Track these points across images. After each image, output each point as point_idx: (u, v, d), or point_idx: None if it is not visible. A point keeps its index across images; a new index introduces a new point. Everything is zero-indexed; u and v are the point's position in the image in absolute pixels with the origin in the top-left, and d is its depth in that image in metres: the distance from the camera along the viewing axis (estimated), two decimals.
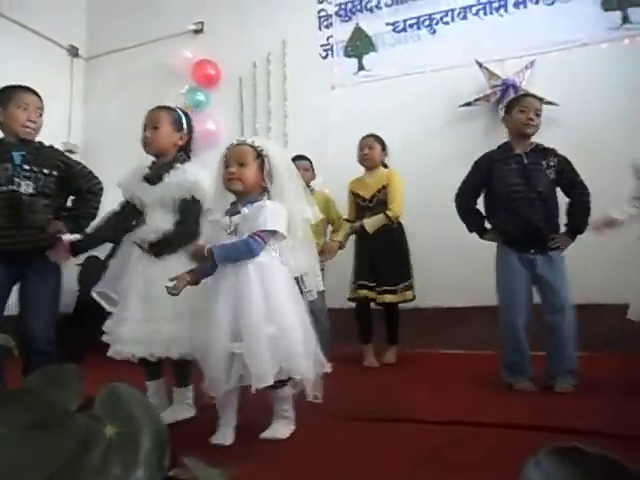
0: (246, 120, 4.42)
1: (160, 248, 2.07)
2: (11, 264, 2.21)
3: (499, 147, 2.58)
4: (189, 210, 2.12)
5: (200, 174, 2.15)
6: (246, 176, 1.83)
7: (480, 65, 3.73)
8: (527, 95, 2.73)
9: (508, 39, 3.76)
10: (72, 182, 2.34)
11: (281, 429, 1.80)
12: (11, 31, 4.36)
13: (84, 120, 5.08)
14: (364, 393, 2.38)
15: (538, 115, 2.47)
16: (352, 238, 3.27)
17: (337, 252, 3.21)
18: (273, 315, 1.73)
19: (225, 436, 1.77)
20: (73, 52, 5.06)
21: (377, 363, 3.06)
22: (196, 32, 4.72)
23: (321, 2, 4.34)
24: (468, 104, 3.75)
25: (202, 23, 4.70)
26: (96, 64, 5.16)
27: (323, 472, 1.46)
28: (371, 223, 3.09)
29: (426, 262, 3.30)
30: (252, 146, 1.87)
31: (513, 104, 2.54)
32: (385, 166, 3.27)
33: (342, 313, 3.24)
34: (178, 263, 2.02)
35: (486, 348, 2.86)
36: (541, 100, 2.67)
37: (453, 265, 3.52)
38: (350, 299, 3.17)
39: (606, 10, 3.55)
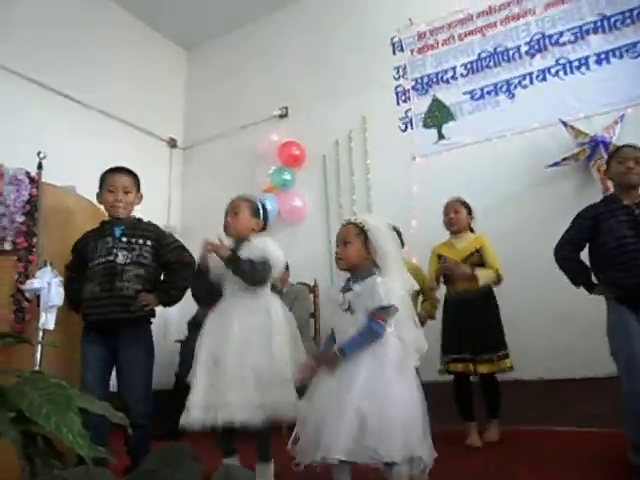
0: (330, 195, 4.56)
1: (238, 262, 2.21)
2: (104, 339, 2.34)
3: (604, 199, 2.48)
4: (262, 265, 2.24)
5: (266, 240, 2.34)
6: (348, 255, 1.93)
7: (565, 124, 3.65)
8: (624, 146, 2.62)
9: (592, 95, 3.68)
10: (164, 253, 2.51)
11: None
12: (119, 127, 4.88)
13: (182, 204, 5.50)
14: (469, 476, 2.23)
15: (638, 163, 2.37)
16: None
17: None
18: (374, 392, 1.72)
19: None
20: (172, 144, 5.56)
21: (480, 442, 2.86)
22: (281, 117, 5.03)
23: (398, 79, 4.50)
24: (556, 164, 3.65)
25: (286, 108, 5.02)
26: (192, 152, 5.64)
27: None
28: (485, 275, 2.96)
29: (521, 330, 3.13)
30: (354, 224, 1.96)
31: (610, 157, 2.50)
32: (472, 230, 3.21)
33: (434, 387, 3.11)
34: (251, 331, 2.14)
35: (599, 425, 2.61)
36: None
37: (551, 331, 3.32)
38: (444, 372, 3.01)
39: None
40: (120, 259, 2.38)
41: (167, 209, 5.34)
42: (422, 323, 3.15)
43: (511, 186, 3.78)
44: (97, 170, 2.59)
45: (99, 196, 2.55)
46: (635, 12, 3.66)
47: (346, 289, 1.93)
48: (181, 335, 4.25)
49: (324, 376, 1.83)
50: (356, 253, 1.92)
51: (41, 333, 2.21)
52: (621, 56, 3.67)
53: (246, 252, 2.28)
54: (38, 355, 2.17)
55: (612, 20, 3.74)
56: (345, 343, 1.81)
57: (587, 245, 2.47)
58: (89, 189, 2.64)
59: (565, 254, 2.50)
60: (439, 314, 3.15)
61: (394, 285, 1.85)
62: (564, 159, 3.63)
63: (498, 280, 3.00)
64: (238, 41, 5.55)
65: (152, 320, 2.51)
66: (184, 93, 5.86)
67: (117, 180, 2.52)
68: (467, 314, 2.95)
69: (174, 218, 5.35)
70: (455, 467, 2.32)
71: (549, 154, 3.68)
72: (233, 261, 2.22)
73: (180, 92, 5.83)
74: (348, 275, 1.99)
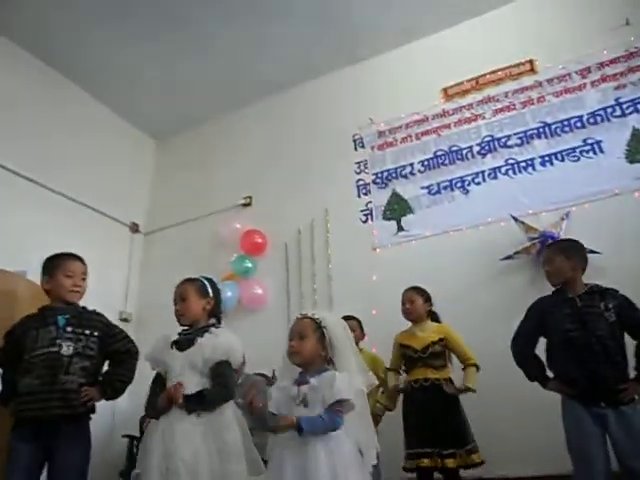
0: (292, 284, 4.57)
1: (195, 403, 2.04)
2: (37, 437, 2.16)
3: (553, 292, 2.56)
4: (228, 372, 2.15)
5: (233, 338, 2.24)
6: (304, 348, 1.91)
7: (515, 220, 3.84)
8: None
9: (540, 194, 3.91)
10: (111, 343, 2.42)
11: None
12: (75, 210, 4.81)
13: (140, 290, 5.36)
14: None
15: (550, 263, 2.52)
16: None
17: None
18: None
19: None
20: (134, 228, 5.54)
21: None
22: (245, 205, 5.13)
23: (359, 173, 4.71)
24: (509, 257, 3.80)
25: (250, 197, 5.14)
26: (154, 238, 5.60)
27: None
28: (473, 381, 2.91)
29: (484, 424, 3.07)
30: (312, 319, 1.96)
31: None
32: (434, 318, 3.21)
33: None
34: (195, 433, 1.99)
35: None
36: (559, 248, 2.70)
37: (514, 426, 3.28)
38: (406, 469, 2.88)
39: (631, 163, 3.71)
40: (64, 350, 2.26)
41: (124, 296, 5.21)
42: (379, 416, 3.09)
43: (468, 277, 3.88)
44: (53, 252, 2.54)
45: (49, 281, 2.44)
46: (572, 121, 4.01)
47: (301, 382, 1.89)
48: (130, 429, 4.00)
49: (282, 469, 1.73)
50: (312, 348, 1.92)
51: None
52: (562, 159, 3.96)
53: (209, 344, 2.16)
54: None
55: (553, 127, 4.07)
56: (304, 418, 1.74)
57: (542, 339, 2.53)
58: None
59: (518, 349, 2.54)
60: (399, 405, 3.09)
61: (353, 380, 1.84)
62: (516, 252, 3.78)
63: (477, 370, 2.97)
64: (206, 133, 5.75)
65: (91, 416, 2.37)
66: (150, 180, 5.92)
67: (77, 266, 2.47)
68: (430, 407, 2.86)
69: (130, 305, 5.20)
70: None
71: (502, 247, 3.84)
72: (205, 404, 2.07)
73: (146, 179, 5.90)
74: (299, 370, 1.96)
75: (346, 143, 4.86)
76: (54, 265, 2.44)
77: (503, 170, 4.15)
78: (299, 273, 4.59)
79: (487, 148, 4.27)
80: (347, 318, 3.29)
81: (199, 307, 2.30)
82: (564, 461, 2.33)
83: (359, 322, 3.45)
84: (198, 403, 2.05)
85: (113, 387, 2.38)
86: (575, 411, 2.27)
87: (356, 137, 4.85)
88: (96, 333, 2.38)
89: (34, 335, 2.29)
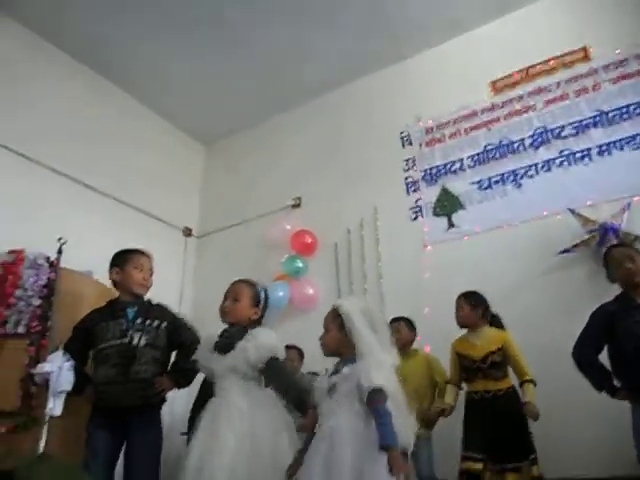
0: (342, 283, 4.57)
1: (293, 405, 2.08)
2: (113, 425, 2.26)
3: (616, 299, 2.44)
4: (283, 367, 2.18)
5: (272, 335, 2.23)
6: (327, 340, 1.95)
7: (573, 212, 3.71)
8: (614, 246, 2.62)
9: (598, 185, 3.76)
10: (181, 333, 2.49)
11: None
12: (134, 216, 5.01)
13: (195, 293, 5.48)
14: None
15: (633, 260, 2.35)
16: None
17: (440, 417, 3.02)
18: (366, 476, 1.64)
19: None
20: (187, 232, 5.69)
21: None
22: (294, 207, 5.18)
23: (407, 170, 4.66)
24: (567, 250, 3.67)
25: (299, 198, 5.18)
26: (206, 241, 5.73)
27: None
28: (533, 396, 2.77)
29: (544, 426, 2.96)
30: (334, 309, 1.97)
31: (605, 260, 2.46)
32: (492, 323, 3.06)
33: None
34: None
35: None
36: (630, 245, 2.56)
37: (576, 428, 3.15)
38: (462, 474, 2.74)
39: None
40: (136, 341, 2.36)
41: (179, 300, 5.34)
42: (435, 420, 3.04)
43: (523, 274, 3.77)
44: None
45: (119, 272, 2.53)
46: (631, 108, 3.84)
47: (333, 373, 1.90)
48: (184, 428, 4.09)
49: (310, 462, 1.75)
50: (334, 338, 1.92)
51: (47, 419, 2.16)
52: (621, 148, 3.80)
53: (252, 346, 2.15)
54: (42, 442, 2.10)
55: (610, 115, 3.91)
56: (383, 440, 1.66)
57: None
58: (106, 274, 2.68)
59: (584, 359, 2.43)
60: (459, 414, 2.97)
61: (380, 368, 1.79)
62: (575, 245, 3.65)
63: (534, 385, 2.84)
64: (254, 136, 5.84)
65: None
66: (200, 185, 6.08)
67: (146, 261, 2.56)
68: (491, 415, 2.77)
69: (185, 308, 5.32)
70: None
71: (559, 241, 3.71)
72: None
73: (197, 184, 6.06)
74: (337, 360, 1.96)
75: (394, 141, 4.82)
76: (125, 258, 2.55)
77: (557, 162, 4.02)
78: (349, 272, 4.58)
79: (540, 140, 4.14)
80: (396, 320, 3.28)
81: (248, 313, 2.30)
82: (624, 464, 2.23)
83: (407, 322, 3.40)
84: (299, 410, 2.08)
85: (184, 376, 2.45)
86: None
87: (404, 134, 4.81)
88: (164, 324, 2.47)
89: (104, 327, 2.40)
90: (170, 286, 5.21)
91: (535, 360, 3.11)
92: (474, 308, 3.05)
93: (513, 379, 2.93)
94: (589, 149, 3.92)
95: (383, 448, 1.65)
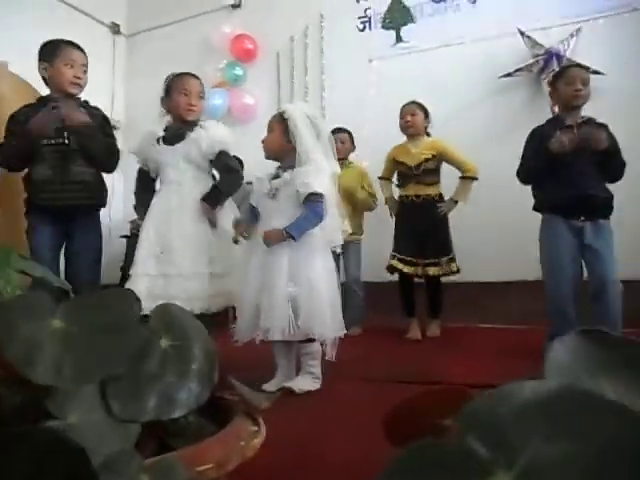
0: (283, 94, 4.43)
1: (215, 199, 2.17)
2: (55, 222, 2.28)
3: (548, 121, 2.50)
4: (231, 161, 2.24)
5: (224, 129, 2.29)
6: (268, 141, 1.95)
7: (522, 34, 3.62)
8: (572, 66, 2.62)
9: (553, 7, 3.64)
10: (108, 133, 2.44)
11: (301, 382, 1.85)
12: (53, 6, 4.44)
13: (126, 97, 5.19)
14: (399, 361, 2.41)
15: (585, 85, 2.39)
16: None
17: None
18: (299, 275, 1.80)
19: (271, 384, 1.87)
20: (114, 29, 5.16)
21: (420, 336, 3.04)
22: (234, 6, 4.73)
23: None
24: (509, 75, 3.66)
25: None
26: (137, 41, 5.25)
27: (331, 426, 1.50)
28: (464, 195, 3.03)
29: (465, 236, 3.25)
30: (279, 112, 1.95)
31: (558, 77, 2.44)
32: (428, 135, 3.18)
33: (379, 286, 3.26)
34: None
35: (531, 322, 2.79)
36: (587, 69, 2.58)
37: (492, 239, 3.48)
38: (389, 269, 3.07)
39: None
40: (72, 143, 2.26)
41: (110, 103, 5.04)
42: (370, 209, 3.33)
43: (467, 94, 3.78)
44: (33, 46, 2.37)
45: (47, 68, 2.25)
46: None
47: (275, 177, 1.94)
48: (126, 230, 4.19)
49: (252, 259, 1.88)
50: (276, 140, 1.93)
51: None
52: None
53: (204, 136, 2.19)
54: None
55: None
56: (290, 227, 1.81)
57: None
58: (23, 66, 2.43)
59: (529, 169, 2.50)
60: (388, 224, 3.23)
61: (320, 175, 1.85)
62: (517, 70, 3.64)
63: (473, 180, 3.04)
64: None
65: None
66: None
67: (78, 56, 2.30)
68: (420, 220, 3.03)
69: (117, 113, 5.06)
70: (397, 355, 2.54)
71: (504, 64, 3.68)
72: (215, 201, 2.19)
73: None
74: (278, 164, 2.00)
75: None
76: (54, 52, 2.24)
77: None
78: (291, 83, 4.42)
79: None
80: (337, 130, 3.27)
81: (202, 108, 2.32)
82: (529, 270, 2.49)
83: (350, 134, 3.42)
84: (216, 200, 2.17)
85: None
86: (554, 222, 2.36)
87: None
88: (94, 125, 2.35)
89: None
90: (100, 88, 4.87)
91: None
92: (427, 117, 3.14)
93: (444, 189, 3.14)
94: None
95: (285, 231, 1.79)
